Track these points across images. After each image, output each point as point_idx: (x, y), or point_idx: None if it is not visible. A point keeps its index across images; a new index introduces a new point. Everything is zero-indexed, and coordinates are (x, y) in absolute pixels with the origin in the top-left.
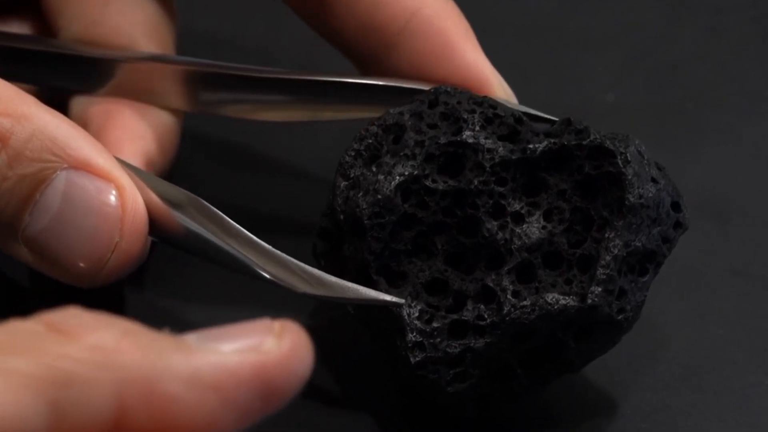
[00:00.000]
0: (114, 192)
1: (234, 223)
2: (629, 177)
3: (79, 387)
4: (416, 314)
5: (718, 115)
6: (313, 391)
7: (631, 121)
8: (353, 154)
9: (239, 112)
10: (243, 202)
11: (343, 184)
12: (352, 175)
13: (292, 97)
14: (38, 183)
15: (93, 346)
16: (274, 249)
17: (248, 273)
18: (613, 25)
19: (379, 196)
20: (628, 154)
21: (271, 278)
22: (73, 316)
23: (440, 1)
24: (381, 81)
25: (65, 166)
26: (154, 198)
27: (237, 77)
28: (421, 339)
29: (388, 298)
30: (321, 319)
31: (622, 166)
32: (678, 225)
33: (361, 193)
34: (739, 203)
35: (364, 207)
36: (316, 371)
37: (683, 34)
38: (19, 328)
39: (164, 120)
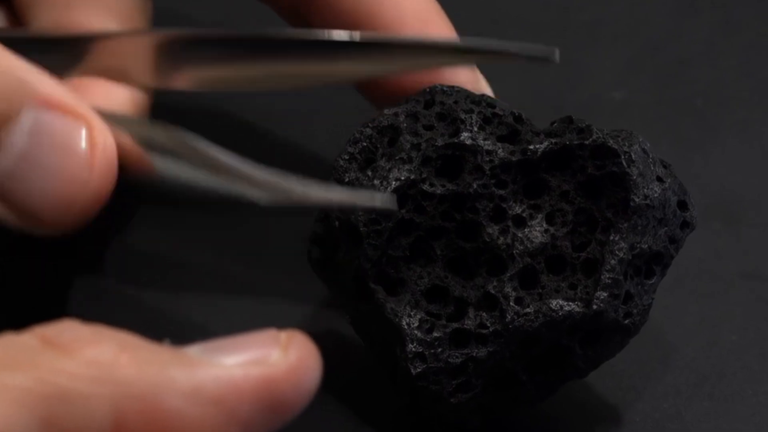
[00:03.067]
0: (83, 129)
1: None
2: (634, 177)
3: (74, 403)
4: (416, 324)
5: (729, 113)
6: (310, 406)
7: (639, 118)
8: (347, 157)
9: (221, 84)
10: (235, 205)
11: None
12: (346, 180)
13: (278, 60)
14: (3, 121)
15: (89, 360)
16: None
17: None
18: (621, 20)
19: None
20: (632, 153)
21: (237, 195)
22: (68, 329)
23: (422, 6)
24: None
25: (33, 104)
26: (126, 138)
27: (216, 40)
28: (421, 349)
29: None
30: (318, 328)
31: (626, 165)
32: (685, 225)
33: None
34: (751, 203)
35: (360, 213)
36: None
37: (693, 30)
38: (13, 342)
39: (135, 97)
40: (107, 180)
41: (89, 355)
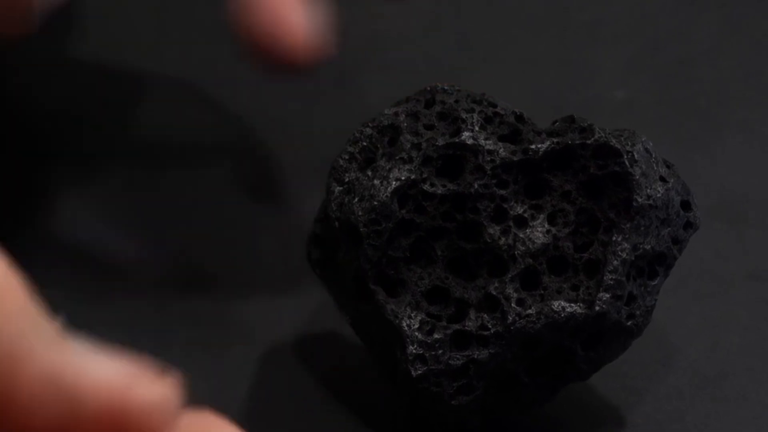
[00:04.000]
0: None
1: None
2: (636, 177)
3: None
4: (416, 325)
5: (734, 112)
6: (310, 406)
7: (641, 118)
8: (347, 157)
9: None
10: (237, 204)
11: (338, 189)
12: (346, 180)
13: None
14: None
15: None
16: None
17: None
18: (621, 20)
19: (375, 203)
20: (634, 153)
21: None
22: None
23: None
24: None
25: None
26: None
27: None
28: (422, 351)
29: None
30: (317, 329)
31: (628, 165)
32: (688, 225)
33: (356, 199)
34: (755, 203)
35: (360, 214)
36: (314, 385)
37: (695, 28)
38: None
39: None
40: None
41: None
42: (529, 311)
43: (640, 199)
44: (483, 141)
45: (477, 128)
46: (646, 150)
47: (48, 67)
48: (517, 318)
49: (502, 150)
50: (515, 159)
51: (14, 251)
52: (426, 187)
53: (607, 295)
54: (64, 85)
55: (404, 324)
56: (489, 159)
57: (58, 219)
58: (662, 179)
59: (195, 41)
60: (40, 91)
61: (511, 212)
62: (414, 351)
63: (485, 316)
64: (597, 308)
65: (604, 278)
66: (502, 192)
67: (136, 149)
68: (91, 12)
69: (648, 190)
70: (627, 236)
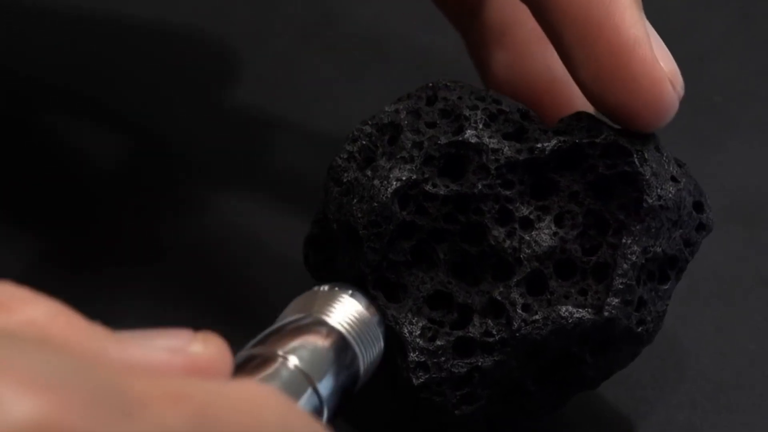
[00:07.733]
0: None
1: None
2: (647, 177)
3: None
4: (418, 331)
5: (747, 110)
6: None
7: None
8: (346, 156)
9: None
10: (232, 206)
11: (336, 189)
12: (345, 180)
13: None
14: None
15: (28, 320)
16: None
17: None
18: None
19: (375, 204)
20: (645, 152)
21: None
22: (6, 288)
23: None
24: None
25: None
26: None
27: None
28: (423, 358)
29: None
30: None
31: (638, 165)
32: (701, 227)
33: (355, 200)
34: None
35: (359, 215)
36: None
37: (711, 22)
38: None
39: None
40: None
41: (28, 314)
42: (536, 317)
43: (650, 200)
44: (487, 139)
45: (481, 126)
46: (657, 149)
47: None
48: (522, 324)
49: (506, 149)
50: (520, 158)
51: None
52: (428, 187)
53: (617, 300)
54: None
55: (405, 330)
56: (493, 158)
57: None
58: (673, 179)
59: (195, 41)
60: None
61: (517, 213)
62: (415, 358)
63: (490, 322)
64: (606, 314)
65: (614, 282)
66: (507, 192)
67: (140, 150)
68: None
69: (659, 191)
70: (637, 238)
